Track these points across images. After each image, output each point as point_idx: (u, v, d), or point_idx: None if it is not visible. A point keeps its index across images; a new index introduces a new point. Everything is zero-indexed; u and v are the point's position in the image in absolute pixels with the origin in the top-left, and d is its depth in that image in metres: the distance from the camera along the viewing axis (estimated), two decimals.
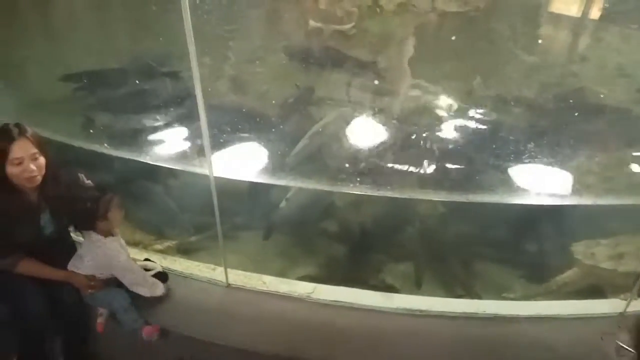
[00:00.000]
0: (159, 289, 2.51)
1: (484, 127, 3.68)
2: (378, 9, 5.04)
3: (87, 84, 3.27)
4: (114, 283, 2.41)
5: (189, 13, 1.91)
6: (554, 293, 2.92)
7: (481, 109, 3.86)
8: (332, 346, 2.47)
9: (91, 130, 3.02)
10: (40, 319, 2.31)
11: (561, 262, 2.99)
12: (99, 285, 2.35)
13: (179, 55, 2.78)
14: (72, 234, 2.53)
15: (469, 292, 3.01)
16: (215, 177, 2.43)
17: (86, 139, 2.83)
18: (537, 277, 3.05)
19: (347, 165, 3.12)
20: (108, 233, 2.30)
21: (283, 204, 3.13)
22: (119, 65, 3.33)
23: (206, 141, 2.30)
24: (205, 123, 2.21)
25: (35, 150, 2.07)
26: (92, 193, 2.28)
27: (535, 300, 2.86)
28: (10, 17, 3.44)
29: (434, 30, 5.10)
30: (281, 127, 3.40)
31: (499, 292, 3.01)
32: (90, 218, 2.24)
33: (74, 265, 2.33)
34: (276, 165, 2.96)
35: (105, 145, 2.72)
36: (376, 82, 4.00)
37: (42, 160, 2.12)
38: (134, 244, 3.06)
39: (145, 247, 3.07)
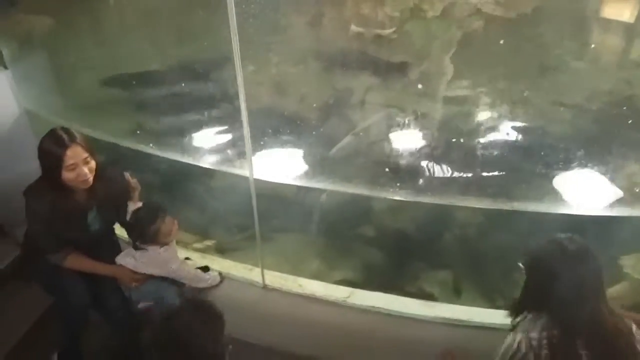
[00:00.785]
0: (213, 279, 2.71)
1: (531, 133, 3.58)
2: (421, 14, 4.99)
3: (134, 86, 3.39)
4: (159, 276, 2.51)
5: (235, 18, 1.94)
6: None
7: (528, 114, 3.76)
8: (365, 352, 2.46)
9: (138, 132, 3.11)
10: (80, 311, 2.41)
11: (609, 275, 2.85)
12: (143, 278, 2.44)
13: (223, 59, 2.83)
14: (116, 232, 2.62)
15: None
16: (255, 179, 2.47)
17: (133, 140, 2.93)
18: None
19: (387, 169, 3.10)
20: (163, 243, 2.41)
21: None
22: (165, 68, 3.43)
23: (247, 144, 2.33)
24: (247, 126, 2.25)
25: (86, 154, 2.15)
26: (145, 214, 2.39)
27: None
28: (63, 22, 3.61)
29: (478, 34, 5.00)
30: (321, 130, 3.41)
31: None
32: (144, 238, 2.39)
33: (123, 261, 2.43)
34: (315, 168, 2.96)
35: (151, 145, 2.80)
36: (420, 86, 3.95)
37: (93, 163, 2.20)
38: (176, 242, 3.14)
39: (185, 246, 3.13)
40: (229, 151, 2.80)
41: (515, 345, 1.60)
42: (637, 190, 2.89)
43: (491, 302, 2.97)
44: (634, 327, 1.55)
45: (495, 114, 3.87)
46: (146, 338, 1.41)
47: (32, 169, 2.21)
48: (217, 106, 3.10)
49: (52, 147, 2.10)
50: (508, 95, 4.02)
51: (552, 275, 1.52)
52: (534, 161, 3.14)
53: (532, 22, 4.80)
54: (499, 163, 3.25)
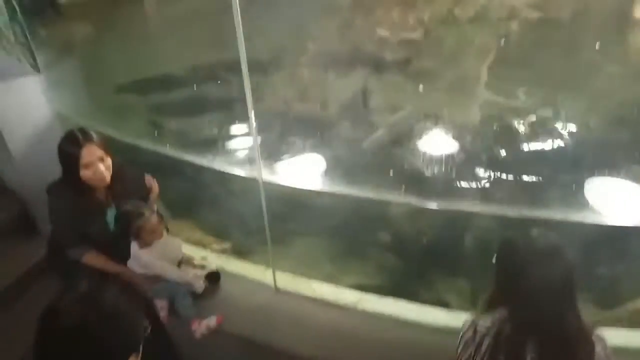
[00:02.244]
0: (197, 286, 2.61)
1: (562, 139, 3.46)
2: (452, 18, 4.93)
3: (156, 89, 3.51)
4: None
5: (240, 22, 1.99)
6: (625, 321, 2.65)
7: (560, 120, 3.64)
8: (375, 358, 2.43)
9: (156, 133, 3.22)
10: None
11: (635, 287, 2.72)
12: (151, 281, 2.49)
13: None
14: None
15: None
16: (273, 183, 2.52)
17: (151, 141, 3.03)
18: (607, 302, 2.78)
19: (408, 174, 3.08)
20: (144, 245, 2.44)
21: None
22: (185, 72, 3.54)
23: (256, 146, 2.37)
24: (255, 128, 2.29)
25: (102, 152, 2.25)
26: (134, 212, 2.40)
27: (602, 327, 2.61)
28: (101, 29, 3.80)
29: (512, 38, 4.88)
30: (343, 134, 3.42)
31: None
32: (127, 234, 2.41)
33: (130, 264, 2.49)
34: (333, 171, 2.98)
35: (168, 147, 2.89)
36: (420, 87, 3.91)
37: (109, 160, 2.30)
38: (194, 243, 3.21)
39: (204, 246, 3.20)
40: (240, 153, 2.85)
41: (464, 327, 1.56)
42: None
43: None
44: (602, 344, 1.45)
45: (525, 119, 3.77)
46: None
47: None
48: (234, 108, 3.17)
49: (69, 147, 2.21)
50: (540, 101, 3.91)
51: (516, 270, 1.45)
52: (563, 168, 3.04)
53: (569, 26, 4.66)
54: (525, 169, 3.16)
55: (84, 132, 2.25)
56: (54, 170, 2.35)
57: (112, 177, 2.34)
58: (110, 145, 2.32)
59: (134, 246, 2.43)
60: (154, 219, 2.41)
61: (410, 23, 4.73)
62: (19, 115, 3.01)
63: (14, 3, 2.97)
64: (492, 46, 4.60)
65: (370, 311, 2.63)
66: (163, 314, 2.56)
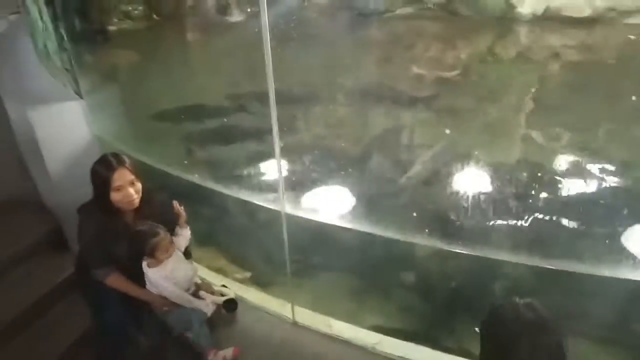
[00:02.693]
0: (205, 310, 2.58)
1: (601, 187, 3.32)
2: (492, 57, 4.89)
3: (187, 117, 3.62)
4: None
5: (270, 54, 2.04)
6: None
7: (600, 168, 3.51)
8: None
9: (185, 162, 3.30)
10: (119, 331, 2.52)
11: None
12: (171, 304, 2.51)
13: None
14: None
15: None
16: (297, 216, 2.53)
17: (181, 169, 3.10)
18: None
19: (437, 215, 3.01)
20: (154, 264, 2.46)
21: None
22: (218, 102, 3.64)
23: (280, 177, 2.39)
24: (280, 160, 2.31)
25: (132, 177, 2.34)
26: (149, 230, 2.44)
27: None
28: (143, 56, 3.97)
29: (553, 80, 4.79)
30: (372, 170, 3.40)
31: None
32: (139, 253, 2.44)
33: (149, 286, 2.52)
34: (360, 209, 2.95)
35: (197, 175, 2.95)
36: (447, 131, 3.84)
37: (139, 185, 2.38)
38: (216, 270, 3.23)
39: (225, 275, 3.21)
40: (266, 185, 2.87)
41: None
42: None
43: None
44: None
45: (564, 165, 3.65)
46: None
47: None
48: (264, 140, 3.21)
49: (101, 170, 2.31)
50: (580, 147, 3.79)
51: (503, 343, 1.39)
52: (601, 218, 2.91)
53: (614, 70, 4.54)
54: (561, 218, 3.04)
55: (117, 156, 2.35)
56: (89, 192, 2.44)
57: (141, 201, 2.41)
58: (141, 171, 2.39)
59: (144, 265, 2.46)
60: (168, 238, 2.45)
61: (448, 61, 4.72)
62: (59, 137, 3.16)
63: (62, 31, 3.15)
64: (532, 87, 4.53)
65: (389, 354, 2.55)
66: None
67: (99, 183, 2.33)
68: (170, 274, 2.47)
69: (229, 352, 2.50)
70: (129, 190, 2.32)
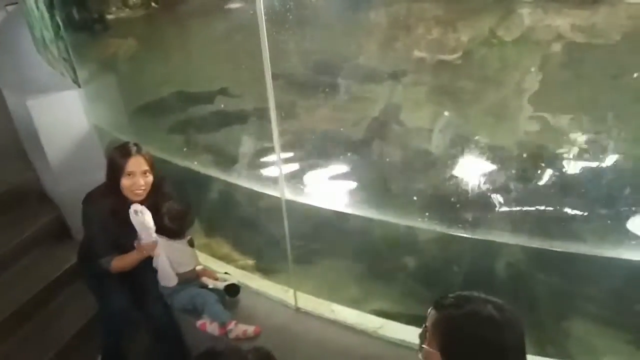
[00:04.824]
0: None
1: (606, 169, 3.30)
2: (494, 39, 4.83)
3: (186, 105, 3.61)
4: (195, 282, 2.63)
5: (266, 39, 2.02)
6: None
7: (606, 151, 3.47)
8: None
9: (184, 149, 3.29)
10: (123, 317, 2.53)
11: None
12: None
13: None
14: None
15: (561, 353, 2.66)
16: (297, 202, 2.54)
17: (181, 157, 3.09)
18: None
19: (438, 198, 2.99)
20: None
21: None
22: (217, 89, 3.62)
23: (279, 163, 2.38)
24: (279, 146, 2.30)
25: (147, 167, 2.39)
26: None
27: None
28: (141, 45, 3.95)
29: (557, 61, 4.73)
30: (373, 153, 3.38)
31: (598, 356, 2.63)
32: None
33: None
34: (361, 194, 2.93)
35: (196, 163, 2.94)
36: (446, 113, 3.81)
37: (150, 178, 2.42)
38: (220, 257, 3.24)
39: (228, 262, 3.21)
40: (266, 171, 2.86)
41: None
42: None
43: (541, 349, 2.73)
44: None
45: (567, 148, 3.62)
46: None
47: (99, 179, 2.47)
48: (264, 126, 3.18)
49: (119, 153, 2.37)
50: (584, 127, 3.75)
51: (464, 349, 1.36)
52: (604, 199, 2.89)
53: (618, 50, 4.47)
54: (564, 199, 3.02)
55: (137, 145, 2.42)
56: (89, 180, 2.47)
57: (147, 195, 2.44)
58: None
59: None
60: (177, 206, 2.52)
61: (449, 44, 4.66)
62: (59, 126, 3.16)
63: (58, 20, 3.12)
64: (535, 69, 4.47)
65: (392, 338, 2.56)
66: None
67: (113, 165, 2.38)
68: (167, 251, 2.54)
69: (250, 328, 2.52)
70: (139, 179, 2.36)
